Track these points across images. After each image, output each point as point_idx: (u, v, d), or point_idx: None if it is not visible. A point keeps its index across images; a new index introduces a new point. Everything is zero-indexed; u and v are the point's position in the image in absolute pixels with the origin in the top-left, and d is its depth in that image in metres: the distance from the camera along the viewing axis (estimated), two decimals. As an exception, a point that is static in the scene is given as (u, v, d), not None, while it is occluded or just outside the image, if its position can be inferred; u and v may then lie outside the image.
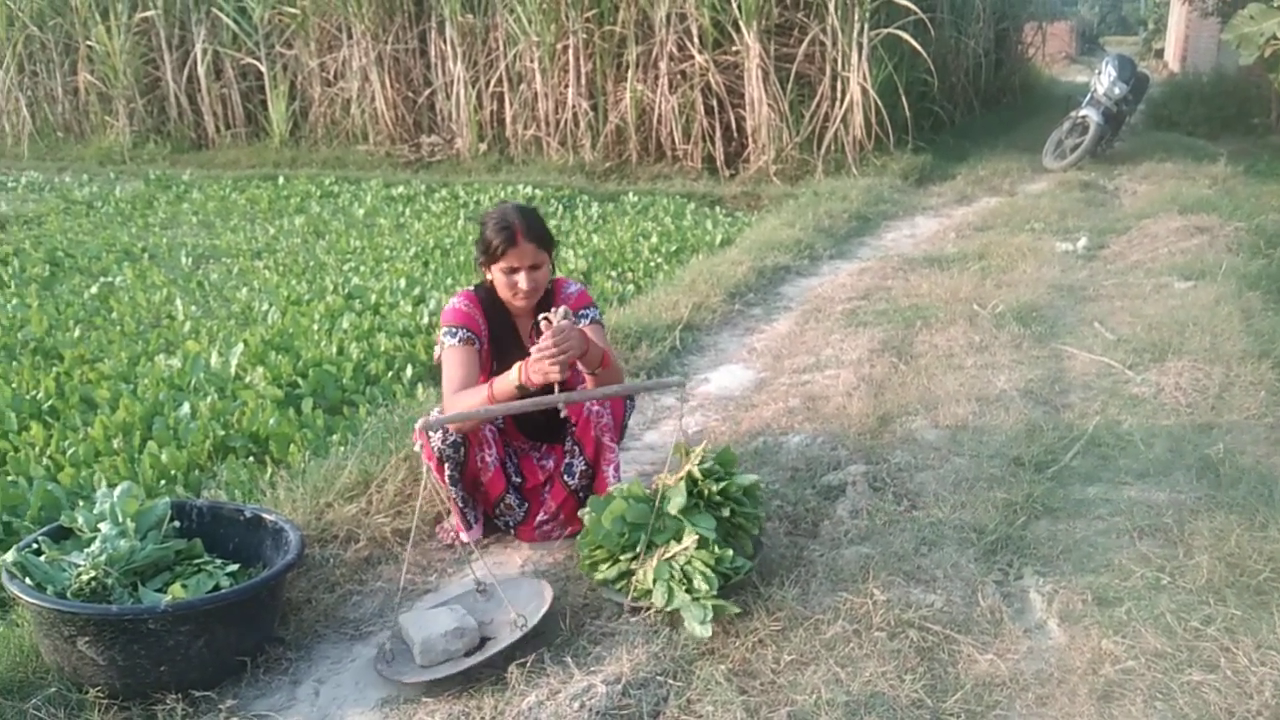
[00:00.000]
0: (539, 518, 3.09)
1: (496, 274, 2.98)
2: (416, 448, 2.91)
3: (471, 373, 2.94)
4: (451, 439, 2.88)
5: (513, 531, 3.14)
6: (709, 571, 2.54)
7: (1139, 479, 3.29)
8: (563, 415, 2.86)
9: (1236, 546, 2.77)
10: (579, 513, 3.04)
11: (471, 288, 3.12)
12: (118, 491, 2.66)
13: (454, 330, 2.98)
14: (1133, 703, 2.22)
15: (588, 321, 3.03)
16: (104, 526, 2.56)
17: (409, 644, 2.52)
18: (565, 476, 3.07)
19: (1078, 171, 9.58)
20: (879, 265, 6.38)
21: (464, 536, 3.07)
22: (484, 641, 2.56)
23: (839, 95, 9.92)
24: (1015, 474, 3.31)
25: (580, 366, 2.81)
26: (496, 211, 2.99)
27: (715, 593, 2.52)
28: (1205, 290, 5.23)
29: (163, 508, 2.70)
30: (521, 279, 2.95)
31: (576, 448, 3.06)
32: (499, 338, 3.09)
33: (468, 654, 2.50)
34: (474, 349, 2.98)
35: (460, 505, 3.02)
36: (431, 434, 2.87)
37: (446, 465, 2.92)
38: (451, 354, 2.96)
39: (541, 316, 2.77)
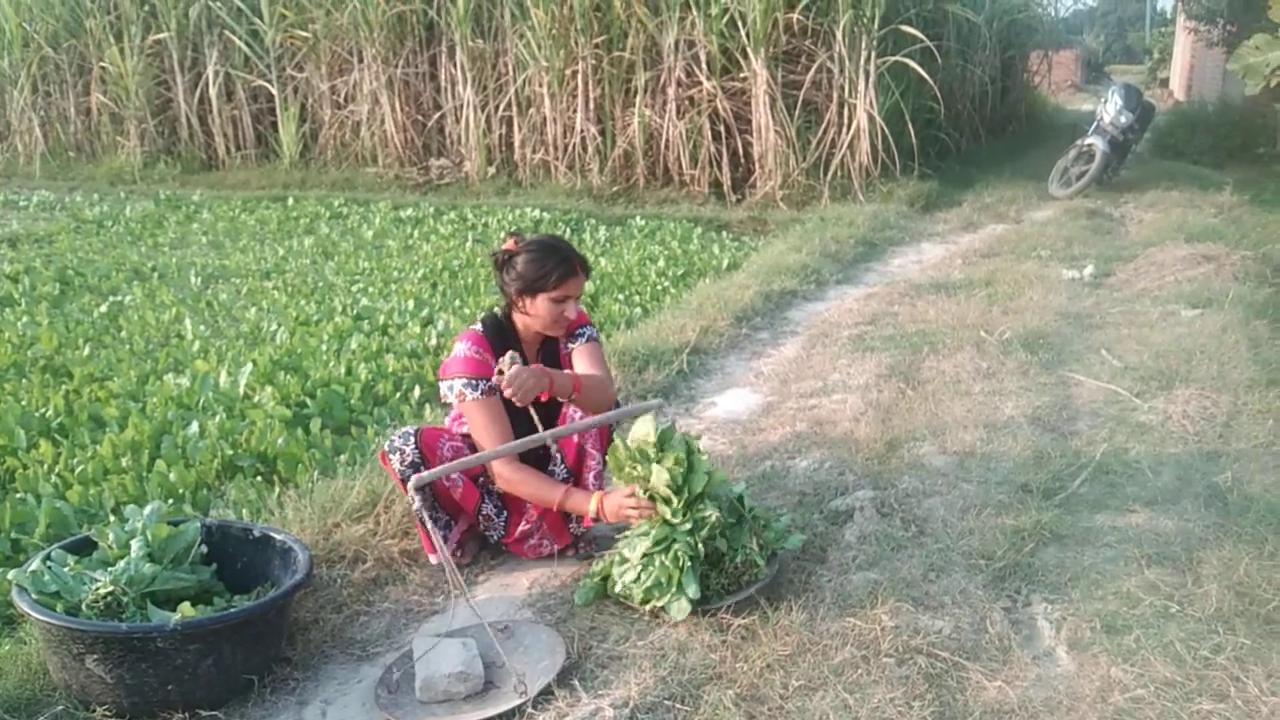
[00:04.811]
0: (520, 527, 3.07)
1: (541, 303, 2.95)
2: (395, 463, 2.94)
3: (505, 424, 2.93)
4: (409, 459, 2.90)
5: (503, 546, 3.13)
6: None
7: (1147, 507, 3.28)
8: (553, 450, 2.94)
9: (1246, 575, 2.76)
10: (568, 528, 3.06)
11: (477, 326, 3.07)
12: (148, 510, 2.65)
13: (474, 383, 2.92)
14: (1142, 732, 2.22)
15: (584, 340, 3.11)
16: (135, 545, 2.56)
17: (415, 671, 2.49)
18: None
19: (1084, 199, 9.62)
20: (885, 291, 6.39)
21: (432, 559, 3.05)
22: (487, 686, 2.48)
23: (846, 122, 9.98)
24: (1023, 501, 3.31)
25: (557, 396, 2.85)
26: (541, 243, 2.99)
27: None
28: (1212, 318, 5.24)
29: (192, 533, 2.69)
30: (570, 308, 2.99)
31: (559, 455, 3.04)
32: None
33: (467, 699, 2.44)
34: (495, 398, 2.93)
35: (428, 526, 3.01)
36: (391, 456, 2.92)
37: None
38: (481, 408, 2.92)
39: (498, 366, 2.76)
